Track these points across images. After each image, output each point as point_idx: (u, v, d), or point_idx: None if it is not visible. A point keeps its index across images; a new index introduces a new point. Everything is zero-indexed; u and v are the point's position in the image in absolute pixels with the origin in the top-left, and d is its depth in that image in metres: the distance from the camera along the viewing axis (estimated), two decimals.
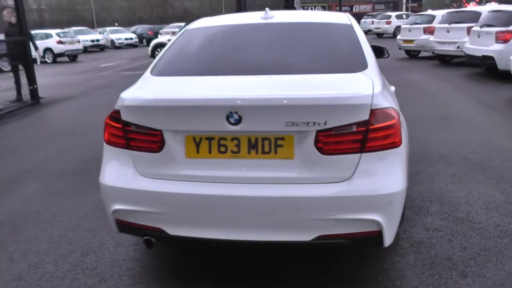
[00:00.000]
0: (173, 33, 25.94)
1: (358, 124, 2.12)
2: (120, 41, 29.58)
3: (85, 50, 24.50)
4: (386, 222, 2.17)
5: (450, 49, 11.92)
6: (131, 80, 10.77)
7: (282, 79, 2.42)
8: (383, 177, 2.18)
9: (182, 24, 31.54)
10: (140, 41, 31.63)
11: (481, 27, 9.61)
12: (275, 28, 3.07)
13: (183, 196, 2.20)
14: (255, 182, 2.18)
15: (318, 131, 2.12)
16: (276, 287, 2.54)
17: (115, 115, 2.33)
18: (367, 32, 22.52)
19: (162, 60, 2.81)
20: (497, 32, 8.90)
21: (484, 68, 9.82)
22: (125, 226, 2.40)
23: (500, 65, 8.76)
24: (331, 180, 2.16)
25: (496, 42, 8.89)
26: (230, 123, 2.12)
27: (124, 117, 2.29)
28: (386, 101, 2.22)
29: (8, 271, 2.79)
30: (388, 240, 2.24)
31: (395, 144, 2.20)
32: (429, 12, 15.78)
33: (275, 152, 2.17)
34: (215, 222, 2.22)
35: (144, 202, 2.26)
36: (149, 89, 2.49)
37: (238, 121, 2.11)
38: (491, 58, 8.90)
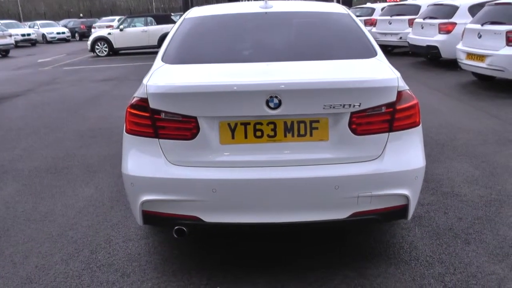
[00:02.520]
0: (108, 27, 24.94)
1: (387, 105, 2.27)
2: (52, 36, 27.85)
3: (16, 45, 22.85)
4: (412, 195, 2.35)
5: (392, 39, 12.61)
6: (76, 75, 10.57)
7: (307, 65, 2.48)
8: (408, 154, 2.35)
9: (116, 17, 30.41)
10: (73, 35, 30.03)
11: (424, 19, 10.25)
12: (276, 17, 3.11)
13: (220, 182, 2.19)
14: (292, 164, 2.24)
15: (352, 113, 2.23)
16: (290, 264, 2.61)
17: (141, 104, 2.26)
18: None
19: (171, 49, 2.74)
20: (439, 24, 9.54)
21: (428, 57, 10.50)
22: (152, 217, 2.33)
23: (444, 54, 9.43)
24: (363, 159, 2.28)
25: (439, 33, 9.55)
26: (269, 107, 2.16)
27: (153, 105, 2.22)
28: (405, 84, 2.38)
29: (15, 275, 2.61)
30: (411, 212, 2.40)
31: (416, 124, 2.39)
32: (369, 5, 16.51)
33: (311, 135, 2.25)
34: (253, 207, 2.24)
35: (177, 191, 2.22)
36: (176, 76, 2.43)
37: (277, 105, 2.16)
38: (435, 47, 9.54)
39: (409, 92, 2.36)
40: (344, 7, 3.38)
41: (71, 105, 7.68)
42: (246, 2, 3.30)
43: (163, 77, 2.39)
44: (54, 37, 27.98)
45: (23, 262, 2.75)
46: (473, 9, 9.59)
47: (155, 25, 16.97)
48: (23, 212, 3.48)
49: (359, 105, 2.22)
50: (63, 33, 28.50)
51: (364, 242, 2.86)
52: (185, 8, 12.71)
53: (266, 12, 3.11)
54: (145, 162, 2.28)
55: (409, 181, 2.33)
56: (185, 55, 2.71)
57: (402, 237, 2.92)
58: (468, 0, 9.78)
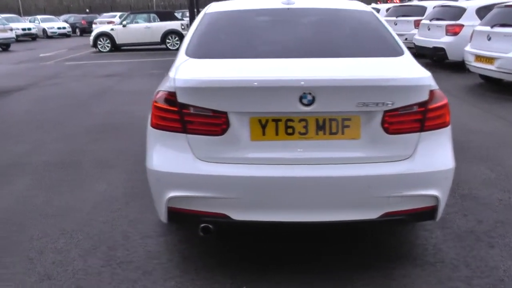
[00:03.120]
0: (109, 23, 24.81)
1: (419, 104, 2.23)
2: (52, 30, 27.66)
3: (16, 39, 22.71)
4: (442, 197, 2.31)
5: None
6: (79, 70, 10.44)
7: (337, 62, 2.44)
8: (439, 155, 2.32)
9: (117, 13, 30.28)
10: (73, 30, 29.86)
11: (430, 20, 10.21)
12: (298, 13, 3.06)
13: (251, 179, 2.14)
14: (323, 162, 2.19)
15: (385, 111, 2.19)
16: (315, 263, 2.57)
17: (169, 98, 2.20)
18: None
19: (195, 43, 2.69)
20: (447, 25, 9.50)
21: (434, 59, 10.46)
22: (178, 214, 2.28)
23: (451, 56, 9.40)
24: (394, 158, 2.24)
25: (446, 34, 9.50)
26: (302, 104, 2.11)
27: (182, 99, 2.17)
28: (436, 83, 2.34)
29: (32, 271, 2.55)
30: (440, 214, 2.36)
31: (446, 124, 2.35)
32: (373, 5, 16.50)
33: (342, 133, 2.20)
34: (284, 205, 2.20)
35: (206, 188, 2.17)
36: (204, 70, 2.37)
37: (311, 102, 2.11)
38: (442, 49, 9.51)
39: (440, 91, 2.32)
40: (364, 4, 3.33)
41: (76, 100, 7.61)
42: None
43: (191, 71, 2.34)
44: (55, 32, 27.81)
45: (39, 258, 2.69)
46: (481, 11, 9.56)
47: (158, 21, 16.89)
48: (36, 206, 3.41)
49: (392, 104, 2.18)
50: (64, 28, 28.33)
51: (387, 243, 2.82)
52: (191, 5, 12.63)
53: (288, 8, 3.06)
54: (172, 157, 2.22)
55: (440, 182, 2.30)
56: (210, 49, 2.65)
57: (425, 238, 2.87)
58: (476, 2, 9.76)
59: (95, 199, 3.50)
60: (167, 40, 16.81)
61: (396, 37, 2.82)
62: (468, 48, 8.09)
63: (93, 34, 16.74)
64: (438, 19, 10.03)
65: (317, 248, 2.74)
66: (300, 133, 2.18)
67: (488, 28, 7.59)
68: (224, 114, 2.14)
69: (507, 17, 7.47)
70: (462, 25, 9.47)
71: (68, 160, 4.45)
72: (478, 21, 9.05)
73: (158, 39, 16.70)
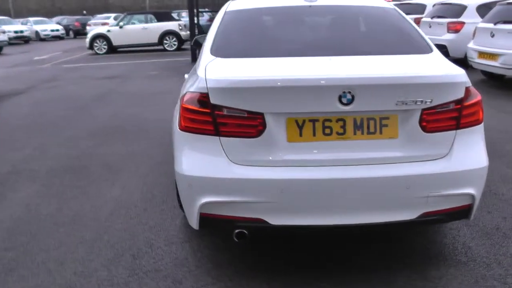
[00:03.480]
0: (103, 24, 24.55)
1: (456, 101, 2.18)
2: (45, 33, 27.26)
3: (8, 42, 22.39)
4: (478, 195, 2.27)
5: None
6: (77, 72, 10.26)
7: (371, 59, 2.38)
8: (474, 153, 2.28)
9: (111, 15, 29.97)
10: (67, 33, 29.52)
11: (432, 18, 10.19)
12: (321, 10, 2.99)
13: (289, 182, 2.06)
14: (362, 163, 2.12)
15: (423, 109, 2.13)
16: (349, 265, 2.50)
17: (201, 99, 2.10)
18: None
19: (220, 42, 2.59)
20: (448, 23, 9.49)
21: None
22: (211, 220, 2.18)
23: (452, 53, 9.37)
24: (432, 157, 2.19)
25: (448, 31, 9.49)
26: (342, 103, 2.04)
27: (215, 100, 2.07)
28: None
29: (53, 284, 2.44)
30: (474, 212, 2.33)
31: (479, 121, 2.32)
32: None
33: (380, 132, 2.14)
34: (322, 208, 2.12)
35: (242, 192, 2.08)
36: (236, 70, 2.28)
37: (350, 101, 2.04)
38: (443, 46, 9.47)
39: (474, 88, 2.28)
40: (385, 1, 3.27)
41: (77, 102, 7.46)
42: None
43: (223, 71, 2.24)
44: (48, 35, 27.41)
45: (59, 269, 2.57)
46: (481, 9, 9.57)
47: (155, 22, 16.72)
48: (48, 215, 3.29)
49: (431, 102, 2.13)
50: (57, 30, 27.93)
51: (416, 243, 2.76)
52: (190, 5, 12.48)
53: (310, 6, 2.98)
54: (204, 161, 2.12)
55: (476, 180, 2.26)
56: (236, 48, 2.56)
57: (453, 237, 2.82)
58: (476, 0, 9.76)
59: (110, 206, 3.39)
60: (165, 41, 16.65)
61: (423, 34, 2.78)
62: (471, 45, 8.07)
63: (89, 36, 16.51)
64: (439, 16, 10.01)
65: (349, 250, 2.67)
66: (338, 133, 2.11)
67: (491, 25, 7.57)
68: (260, 115, 2.05)
69: (510, 14, 7.47)
70: (464, 23, 9.46)
71: (76, 165, 4.33)
72: (479, 19, 9.05)
73: (156, 40, 16.52)
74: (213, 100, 2.07)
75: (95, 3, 52.23)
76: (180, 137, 2.23)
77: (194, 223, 2.21)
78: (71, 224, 3.13)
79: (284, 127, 2.08)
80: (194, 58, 12.65)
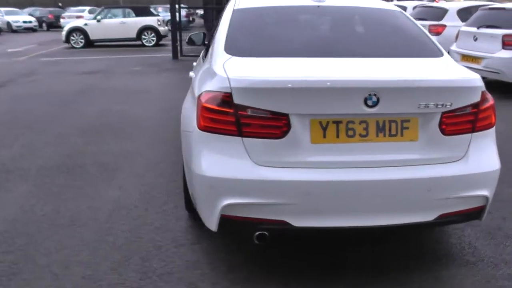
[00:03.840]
0: (78, 17, 23.92)
1: (473, 105, 2.23)
2: (17, 24, 26.28)
3: None
4: (490, 196, 2.33)
5: None
6: (56, 66, 10.00)
7: (391, 62, 2.41)
8: (488, 155, 2.34)
9: (86, 8, 29.24)
10: (40, 25, 28.60)
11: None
12: (330, 11, 2.99)
13: (314, 184, 2.05)
14: (384, 165, 2.14)
15: (443, 113, 2.16)
16: (363, 266, 2.51)
17: (224, 98, 2.06)
18: None
19: (234, 41, 2.54)
20: (430, 26, 9.70)
21: None
22: (232, 222, 2.14)
23: None
24: (449, 159, 2.23)
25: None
26: (367, 105, 2.05)
27: (239, 100, 2.03)
28: None
29: None
30: (486, 214, 2.39)
31: (492, 125, 2.38)
32: None
33: (401, 135, 2.16)
34: (346, 210, 2.12)
35: (265, 194, 2.05)
36: (258, 69, 2.24)
37: (375, 104, 2.05)
38: None
39: (487, 92, 2.33)
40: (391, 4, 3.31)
41: (60, 98, 7.24)
42: None
43: (245, 70, 2.20)
44: (20, 26, 26.45)
45: (65, 273, 2.48)
46: (461, 13, 9.83)
47: (133, 17, 16.41)
48: (45, 216, 3.17)
49: (451, 105, 2.17)
50: (30, 22, 26.98)
51: (424, 243, 2.81)
52: (172, 0, 12.27)
53: (318, 6, 2.97)
54: (226, 162, 2.09)
55: (490, 182, 2.32)
56: (251, 47, 2.53)
57: (458, 237, 2.87)
58: (456, 4, 10.02)
59: (110, 206, 3.29)
60: (143, 36, 16.37)
61: (431, 37, 2.83)
62: (454, 47, 8.26)
63: (66, 29, 16.04)
64: (420, 19, 10.19)
65: (360, 251, 2.67)
66: (361, 135, 2.12)
67: (474, 29, 7.78)
68: (285, 116, 2.03)
69: (492, 19, 7.71)
70: (445, 25, 9.68)
71: (68, 164, 4.19)
72: (459, 22, 9.29)
73: (134, 35, 16.23)
74: (236, 100, 2.04)
75: None
76: (198, 137, 2.17)
77: (214, 225, 2.17)
78: (70, 225, 3.02)
79: (308, 128, 2.07)
80: (176, 54, 12.48)
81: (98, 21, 15.90)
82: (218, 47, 2.56)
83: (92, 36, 15.81)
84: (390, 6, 3.17)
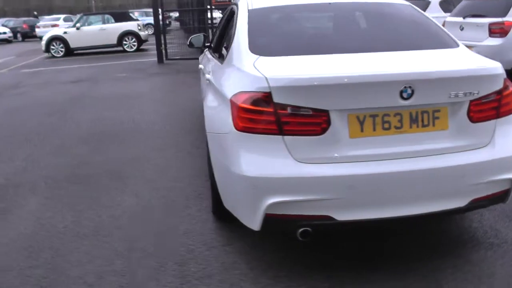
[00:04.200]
0: (53, 26, 23.44)
1: (496, 92, 2.31)
2: None
3: None
4: None
5: None
6: (40, 77, 9.97)
7: (419, 54, 2.46)
8: (511, 139, 2.39)
9: (61, 16, 28.68)
10: (14, 35, 27.92)
11: None
12: (343, 7, 3.03)
13: (357, 178, 2.08)
14: (418, 155, 2.19)
15: (471, 101, 2.23)
16: (385, 253, 2.55)
17: (263, 98, 2.07)
18: None
19: (257, 41, 2.56)
20: None
21: None
22: (276, 221, 2.16)
23: None
24: (477, 146, 2.29)
25: None
26: (402, 98, 2.09)
27: (278, 99, 2.04)
28: None
29: None
30: (510, 196, 2.45)
31: None
32: None
33: (433, 125, 2.21)
34: (387, 201, 2.16)
35: (310, 190, 2.07)
36: (293, 68, 2.26)
37: (410, 96, 2.10)
38: None
39: (508, 79, 2.41)
40: None
41: (52, 108, 7.10)
42: None
43: (281, 70, 2.22)
44: None
45: (100, 284, 2.44)
46: (443, 4, 10.04)
47: (113, 23, 16.19)
48: (66, 228, 3.11)
49: (478, 93, 2.23)
50: (5, 33, 26.30)
51: (448, 230, 2.86)
52: (155, 5, 12.16)
53: (330, 3, 3.01)
54: (268, 161, 2.10)
55: None
56: (277, 46, 2.55)
57: (479, 221, 2.95)
58: None
59: (130, 214, 3.26)
60: (124, 42, 16.17)
61: (443, 28, 2.90)
62: None
63: (45, 38, 15.69)
64: None
65: (389, 242, 2.72)
66: (396, 127, 2.16)
67: (460, 19, 7.95)
68: (325, 113, 2.06)
69: (477, 8, 7.89)
70: None
71: (77, 174, 4.12)
72: (442, 13, 9.48)
73: (115, 41, 16.02)
74: (276, 99, 2.05)
75: (39, 4, 49.88)
76: (236, 138, 2.18)
77: (256, 224, 2.17)
78: (95, 235, 2.98)
79: (347, 123, 2.10)
80: (161, 58, 12.38)
81: (78, 28, 15.64)
82: (240, 47, 2.57)
83: (73, 45, 15.54)
84: (397, 0, 3.22)
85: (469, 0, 8.26)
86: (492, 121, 2.32)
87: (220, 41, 3.65)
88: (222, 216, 2.94)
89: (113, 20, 16.29)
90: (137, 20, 17.70)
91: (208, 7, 13.05)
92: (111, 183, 3.89)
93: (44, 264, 2.66)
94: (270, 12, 2.93)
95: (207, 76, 3.22)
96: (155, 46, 12.64)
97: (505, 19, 7.34)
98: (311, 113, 2.05)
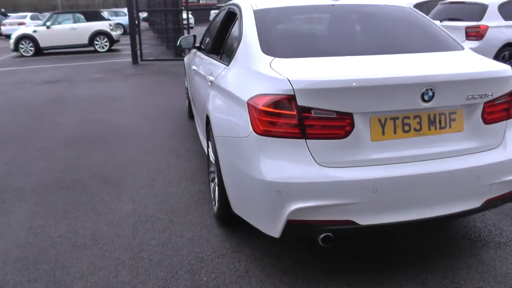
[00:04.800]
0: (20, 24, 22.56)
1: (507, 94, 2.36)
2: None
3: None
4: None
5: None
6: (13, 77, 9.66)
7: (433, 57, 2.48)
8: None
9: (27, 14, 27.60)
10: None
11: None
12: (346, 9, 3.02)
13: (381, 181, 2.06)
14: (437, 157, 2.20)
15: (485, 103, 2.26)
16: (405, 256, 2.55)
17: (285, 101, 2.01)
18: None
19: (269, 42, 2.51)
20: None
21: None
22: (297, 226, 2.10)
23: None
24: (490, 147, 2.33)
25: None
26: (423, 100, 2.10)
27: (302, 102, 1.99)
28: None
29: None
30: None
31: None
32: None
33: (450, 126, 2.23)
34: (406, 204, 2.15)
35: (334, 195, 2.03)
36: (313, 70, 2.21)
37: (431, 98, 2.10)
38: None
39: None
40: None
41: (31, 110, 6.80)
42: None
43: (302, 72, 2.17)
44: None
45: None
46: (417, 8, 10.24)
47: (84, 22, 15.72)
48: (62, 237, 2.96)
49: (491, 95, 2.27)
50: None
51: (455, 230, 2.89)
52: (129, 5, 11.88)
53: (333, 5, 2.99)
54: (291, 166, 2.04)
55: None
56: (290, 48, 2.50)
57: (482, 220, 3.00)
58: (410, 0, 10.43)
59: (130, 221, 3.13)
60: (95, 42, 15.74)
61: (446, 31, 2.93)
62: None
63: (14, 36, 15.03)
64: None
65: (399, 244, 2.72)
66: (415, 130, 2.16)
67: (437, 22, 8.15)
68: (349, 116, 2.02)
69: (453, 12, 8.13)
70: None
71: (66, 180, 3.94)
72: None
73: (86, 41, 15.56)
74: (300, 101, 2.00)
75: (3, 1, 47.94)
76: (256, 142, 2.11)
77: (277, 231, 2.11)
78: (95, 245, 2.84)
79: (369, 126, 2.08)
80: (136, 59, 12.12)
81: (48, 27, 15.08)
82: (251, 48, 2.50)
83: (42, 44, 14.99)
84: (398, 2, 3.24)
85: (445, 4, 8.48)
86: (503, 122, 2.36)
87: (219, 42, 3.57)
88: (229, 221, 2.87)
89: (84, 20, 15.82)
90: (108, 19, 17.26)
91: (184, 8, 12.90)
92: (104, 188, 3.74)
93: (44, 277, 2.51)
94: (276, 12, 2.88)
95: (210, 78, 3.13)
96: (126, 47, 12.36)
97: (480, 23, 7.59)
98: (335, 116, 2.02)
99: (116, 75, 10.20)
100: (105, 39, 15.84)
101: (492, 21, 7.59)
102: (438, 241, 2.76)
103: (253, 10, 2.88)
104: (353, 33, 2.77)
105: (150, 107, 6.80)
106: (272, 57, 2.34)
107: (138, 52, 12.24)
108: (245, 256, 2.61)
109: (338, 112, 2.02)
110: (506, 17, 7.67)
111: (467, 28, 7.59)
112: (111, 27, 16.07)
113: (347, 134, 2.04)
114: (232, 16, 3.47)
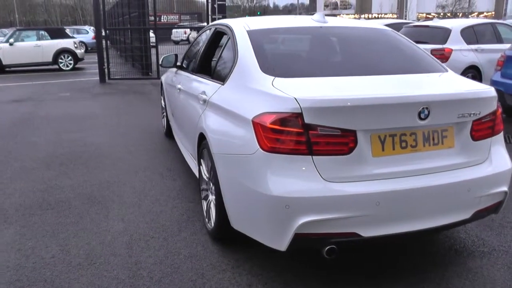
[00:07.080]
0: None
1: (492, 113, 2.57)
2: None
3: None
4: (508, 191, 2.64)
5: None
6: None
7: (425, 78, 2.66)
8: (503, 155, 2.68)
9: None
10: None
11: None
12: (335, 32, 3.18)
13: (384, 195, 2.19)
14: (432, 172, 2.36)
15: (473, 121, 2.45)
16: (400, 268, 2.68)
17: (292, 119, 2.12)
18: (178, 42, 22.84)
19: (267, 62, 2.62)
20: None
21: None
22: (303, 240, 2.19)
23: None
24: (478, 162, 2.52)
25: None
26: (420, 118, 2.25)
27: (310, 119, 2.11)
28: None
29: None
30: (502, 206, 2.70)
31: (502, 129, 2.74)
32: None
33: (442, 143, 2.39)
34: (406, 216, 2.28)
35: (339, 208, 2.14)
36: (319, 89, 2.34)
37: (426, 116, 2.26)
38: None
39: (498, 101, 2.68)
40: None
41: (2, 130, 6.58)
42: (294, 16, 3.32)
43: (306, 91, 2.29)
44: None
45: None
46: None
47: (48, 39, 15.38)
48: (55, 258, 2.90)
49: (479, 113, 2.47)
50: None
51: (441, 241, 3.05)
52: (97, 23, 11.77)
53: (321, 27, 3.15)
54: (298, 181, 2.14)
55: (508, 179, 2.64)
56: (289, 67, 2.64)
57: (465, 232, 3.18)
58: (381, 21, 11.00)
59: (123, 239, 3.11)
60: (60, 60, 15.40)
61: (428, 52, 3.15)
62: None
63: None
64: None
65: (386, 255, 2.85)
66: (412, 146, 2.32)
67: None
68: (352, 133, 2.15)
69: (418, 35, 8.61)
70: None
71: (49, 200, 3.85)
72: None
73: (50, 59, 15.17)
74: (307, 119, 2.11)
75: None
76: (263, 158, 2.20)
77: (284, 245, 2.19)
78: (91, 264, 2.81)
79: (369, 142, 2.22)
80: (103, 78, 11.98)
81: (11, 44, 14.63)
82: (249, 68, 2.61)
83: (5, 61, 14.49)
84: (379, 25, 3.45)
85: (409, 27, 8.97)
86: (489, 139, 2.57)
87: (208, 62, 3.66)
88: (225, 238, 2.92)
89: (48, 37, 15.48)
90: (73, 37, 16.97)
91: (152, 27, 12.94)
92: (91, 208, 3.69)
93: None
94: (270, 33, 3.01)
95: (202, 96, 3.19)
96: (90, 65, 12.19)
97: (445, 46, 8.09)
98: (339, 133, 2.14)
99: (85, 94, 10.04)
100: (70, 57, 15.54)
101: (456, 44, 8.11)
102: (427, 253, 2.90)
103: (247, 31, 3.00)
104: (347, 54, 2.93)
105: (124, 126, 6.75)
106: (273, 77, 2.46)
107: (106, 70, 12.11)
108: (245, 271, 2.66)
109: (342, 130, 2.15)
110: (467, 41, 8.22)
111: (432, 50, 8.06)
112: (76, 45, 15.81)
113: (350, 150, 2.17)
114: (220, 36, 3.58)
